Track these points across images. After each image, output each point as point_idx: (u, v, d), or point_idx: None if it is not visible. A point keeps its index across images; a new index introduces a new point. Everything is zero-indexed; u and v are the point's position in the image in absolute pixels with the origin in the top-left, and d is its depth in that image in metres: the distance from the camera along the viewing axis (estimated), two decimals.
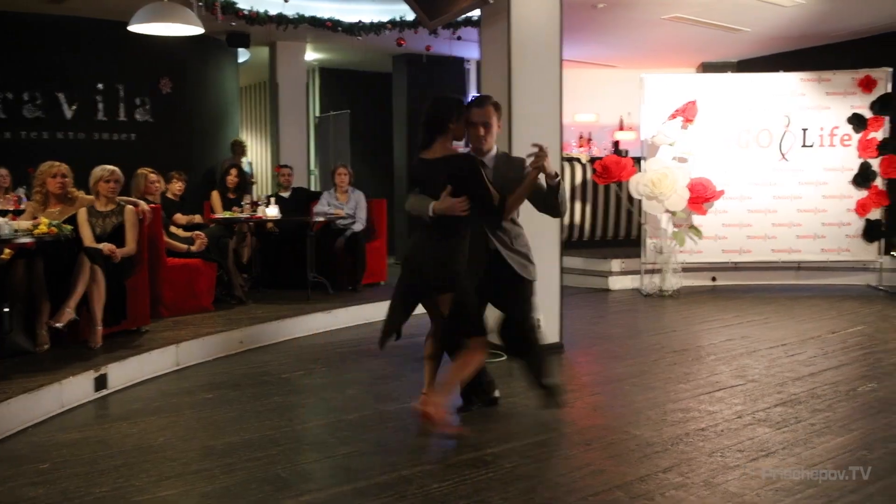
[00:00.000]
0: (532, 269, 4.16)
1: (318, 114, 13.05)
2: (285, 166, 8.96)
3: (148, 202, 6.36)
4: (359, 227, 8.27)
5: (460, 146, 4.46)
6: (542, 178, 4.00)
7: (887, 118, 8.95)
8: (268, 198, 8.01)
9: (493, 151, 4.16)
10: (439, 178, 3.84)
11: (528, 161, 3.94)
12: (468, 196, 3.79)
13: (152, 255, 6.15)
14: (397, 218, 11.66)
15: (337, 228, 8.21)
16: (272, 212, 7.64)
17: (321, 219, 8.01)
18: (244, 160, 10.61)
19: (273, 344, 6.25)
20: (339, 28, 9.37)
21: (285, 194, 8.56)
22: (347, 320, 7.02)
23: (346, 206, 8.34)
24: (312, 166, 12.65)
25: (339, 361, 5.69)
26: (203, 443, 3.89)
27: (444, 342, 4.18)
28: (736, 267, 9.36)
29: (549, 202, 4.09)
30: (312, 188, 11.86)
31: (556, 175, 4.01)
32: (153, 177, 6.96)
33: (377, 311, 7.28)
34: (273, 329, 6.36)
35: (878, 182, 8.99)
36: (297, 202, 8.50)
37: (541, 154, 3.87)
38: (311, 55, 11.69)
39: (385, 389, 4.90)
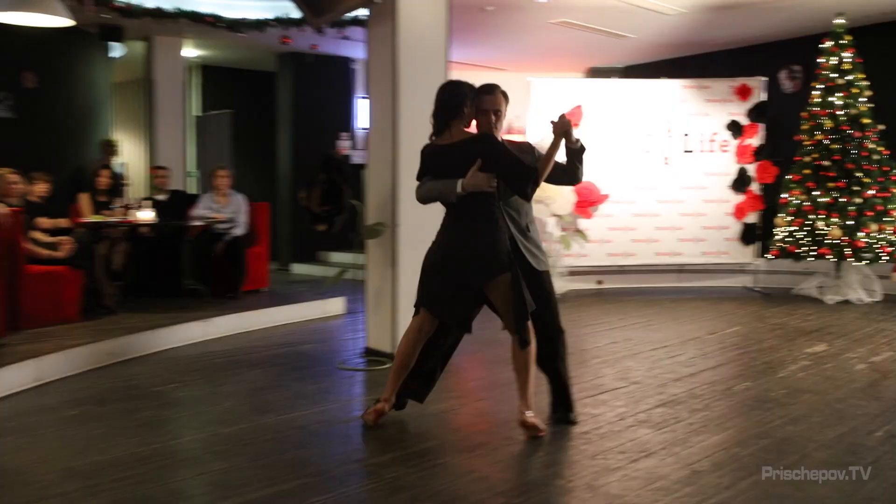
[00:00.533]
0: (546, 259, 4.22)
1: (197, 113, 12.71)
2: (161, 167, 8.71)
3: (9, 205, 6.03)
4: (239, 231, 8.14)
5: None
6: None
7: (762, 125, 9.45)
8: (142, 200, 7.74)
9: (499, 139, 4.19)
10: (462, 161, 3.88)
11: (552, 126, 4.02)
12: (501, 172, 3.88)
13: (11, 263, 5.83)
14: (280, 222, 11.51)
15: (216, 233, 8.04)
16: (146, 215, 7.39)
17: (199, 223, 7.84)
18: (117, 161, 10.21)
19: (145, 355, 6.02)
20: (221, 24, 9.13)
21: (161, 197, 8.34)
22: (226, 329, 6.86)
23: (226, 209, 8.18)
24: (192, 168, 12.31)
25: (216, 372, 5.54)
26: (65, 464, 3.70)
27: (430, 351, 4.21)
28: (621, 270, 9.66)
29: (570, 168, 4.15)
30: (192, 191, 11.55)
31: (578, 140, 4.11)
32: (13, 177, 6.59)
33: (257, 320, 7.20)
34: (145, 340, 6.14)
35: (754, 187, 9.47)
36: (174, 205, 8.29)
37: (565, 119, 3.99)
38: (192, 51, 11.37)
39: (264, 401, 4.79)
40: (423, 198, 4.12)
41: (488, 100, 4.06)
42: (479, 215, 3.94)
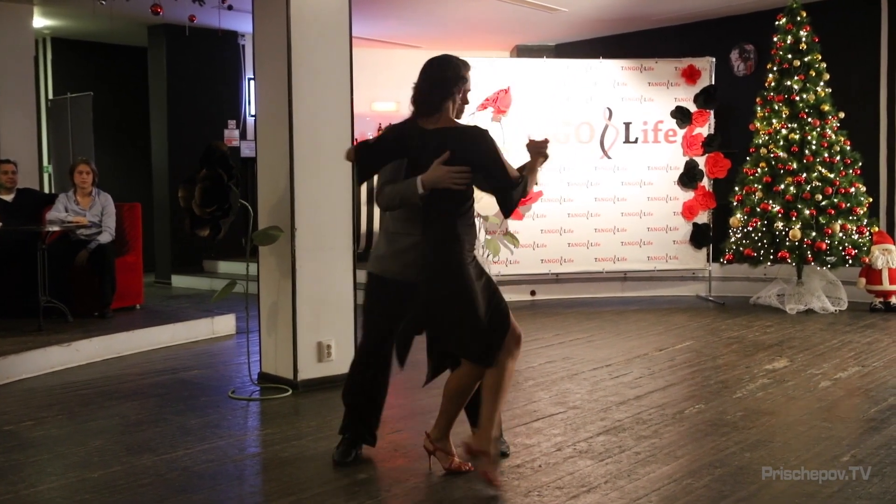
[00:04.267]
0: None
1: (51, 96, 12.43)
2: (7, 162, 8.50)
3: None
4: (106, 237, 8.07)
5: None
6: None
7: (712, 112, 9.74)
8: None
9: None
10: (446, 151, 3.84)
11: (528, 146, 4.16)
12: (491, 178, 3.91)
13: None
14: (156, 227, 11.34)
15: (78, 240, 7.96)
16: None
17: (56, 228, 7.73)
18: None
19: None
20: None
21: (8, 197, 8.21)
22: (93, 354, 6.77)
23: (90, 211, 8.10)
24: (45, 162, 12.03)
25: (81, 406, 5.45)
26: None
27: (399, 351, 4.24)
28: (557, 279, 9.82)
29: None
30: (46, 190, 11.34)
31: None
32: None
33: (131, 343, 7.11)
34: None
35: (705, 182, 9.75)
36: (25, 207, 8.17)
37: (545, 144, 4.15)
38: (41, 21, 11.10)
39: (139, 439, 4.74)
40: (387, 205, 4.04)
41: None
42: (441, 228, 3.88)
